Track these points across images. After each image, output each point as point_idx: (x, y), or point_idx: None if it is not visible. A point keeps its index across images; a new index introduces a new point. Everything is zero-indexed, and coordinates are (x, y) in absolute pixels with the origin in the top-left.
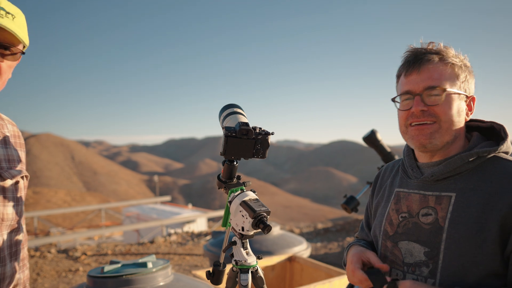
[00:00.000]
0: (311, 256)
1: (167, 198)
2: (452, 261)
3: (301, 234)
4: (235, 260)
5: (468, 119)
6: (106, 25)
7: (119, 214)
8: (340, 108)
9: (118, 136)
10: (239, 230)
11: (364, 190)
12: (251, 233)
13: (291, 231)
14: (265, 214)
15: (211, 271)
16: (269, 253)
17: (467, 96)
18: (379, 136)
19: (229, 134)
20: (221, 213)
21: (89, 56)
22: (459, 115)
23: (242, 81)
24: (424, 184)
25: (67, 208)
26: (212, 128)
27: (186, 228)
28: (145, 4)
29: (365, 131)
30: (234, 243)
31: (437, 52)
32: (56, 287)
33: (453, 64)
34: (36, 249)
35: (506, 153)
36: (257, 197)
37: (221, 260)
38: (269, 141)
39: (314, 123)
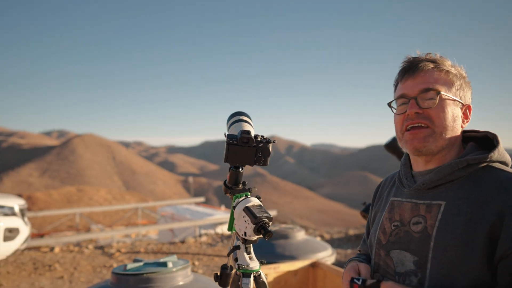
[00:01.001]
0: (338, 263)
1: (201, 199)
2: (439, 270)
3: (331, 240)
4: (238, 264)
5: (464, 127)
6: (148, 30)
7: (155, 213)
8: (378, 112)
9: (156, 137)
10: (242, 235)
11: None
12: (254, 238)
13: (321, 236)
14: (267, 221)
15: (219, 274)
16: (292, 257)
17: (462, 104)
18: None
19: (231, 142)
20: None
21: (129, 61)
22: (454, 120)
23: (278, 84)
24: (417, 193)
25: (107, 206)
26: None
27: (218, 229)
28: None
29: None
30: (238, 247)
31: (433, 61)
32: (91, 281)
33: (448, 71)
34: (77, 244)
35: (503, 163)
36: (260, 204)
37: (229, 263)
38: (270, 149)
39: (350, 127)
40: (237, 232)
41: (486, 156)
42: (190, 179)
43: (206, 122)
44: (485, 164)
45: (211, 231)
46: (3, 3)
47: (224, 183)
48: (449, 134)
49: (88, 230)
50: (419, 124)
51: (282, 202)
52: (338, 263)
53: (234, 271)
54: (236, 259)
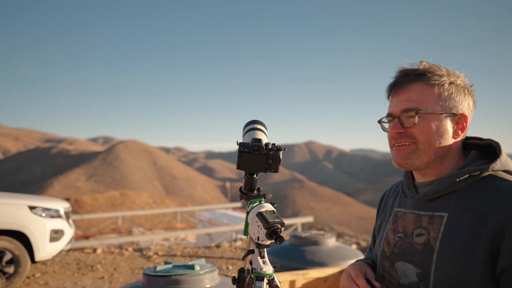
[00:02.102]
0: None
1: (238, 204)
2: (442, 283)
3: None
4: (252, 268)
5: (459, 137)
6: (191, 37)
7: (193, 218)
8: None
9: (195, 143)
10: (256, 239)
11: None
12: (267, 243)
13: (357, 243)
14: (279, 226)
15: (236, 277)
16: (322, 264)
17: (455, 114)
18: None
19: (242, 149)
20: (291, 221)
21: (169, 70)
22: (441, 134)
23: (315, 89)
24: (419, 204)
25: (148, 210)
26: (283, 136)
27: None
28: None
29: None
30: (252, 251)
31: (421, 73)
32: (128, 282)
33: (434, 83)
34: (119, 246)
35: (508, 171)
36: (274, 209)
37: (246, 267)
38: (281, 156)
39: None
40: (251, 237)
41: (487, 166)
42: (227, 184)
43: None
44: (487, 173)
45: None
46: (47, 13)
47: (240, 189)
48: (435, 149)
49: (129, 233)
50: (403, 143)
51: (320, 208)
52: None
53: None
54: (251, 263)
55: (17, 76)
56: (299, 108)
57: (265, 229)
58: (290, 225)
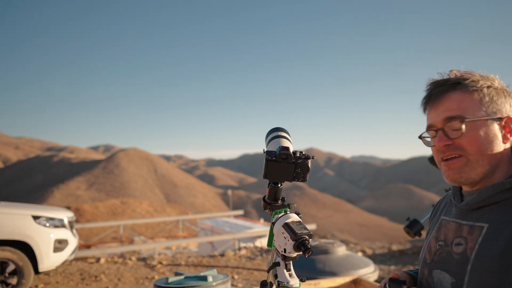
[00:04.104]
0: (380, 280)
1: (240, 212)
2: None
3: (374, 256)
4: (278, 281)
5: (508, 142)
6: (185, 47)
7: (195, 226)
8: (421, 123)
9: (196, 150)
10: (282, 252)
11: (428, 214)
12: (293, 255)
13: (363, 251)
14: (306, 237)
15: None
16: (333, 274)
17: (500, 118)
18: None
19: (270, 158)
20: None
21: (169, 78)
22: (491, 141)
23: (316, 96)
24: (462, 213)
25: (150, 218)
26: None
27: (258, 242)
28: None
29: None
30: (278, 264)
31: (456, 81)
32: None
33: (473, 90)
34: (121, 255)
35: None
36: (300, 220)
37: (268, 280)
38: (309, 165)
39: (392, 138)
40: (276, 249)
41: None
42: (229, 192)
43: (244, 135)
44: None
45: (250, 244)
46: (42, 19)
47: (263, 199)
48: (488, 158)
49: (131, 241)
50: (452, 156)
51: (322, 215)
52: (381, 280)
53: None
54: (276, 276)
55: (18, 84)
56: (299, 115)
57: (293, 240)
58: None
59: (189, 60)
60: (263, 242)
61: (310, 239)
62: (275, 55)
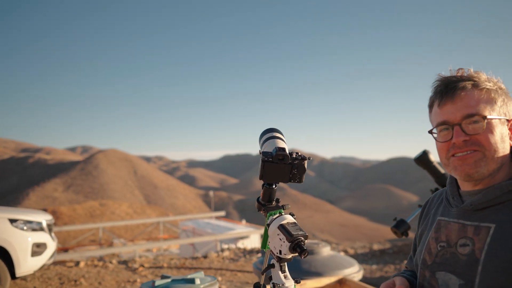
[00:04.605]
0: (364, 279)
1: (222, 213)
2: None
3: (356, 255)
4: (273, 283)
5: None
6: (167, 47)
7: (176, 228)
8: (400, 124)
9: (177, 151)
10: (277, 253)
11: (415, 214)
12: (289, 256)
13: (345, 251)
14: (302, 239)
15: None
16: (318, 274)
17: (508, 120)
18: (432, 157)
19: (266, 159)
20: None
21: (149, 78)
22: (503, 141)
23: (296, 96)
24: (464, 213)
25: (129, 220)
26: None
27: (240, 244)
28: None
29: (427, 147)
30: (272, 265)
31: (469, 78)
32: None
33: (488, 89)
34: (100, 258)
35: None
36: (295, 221)
37: (261, 282)
38: (305, 166)
39: (371, 139)
40: (271, 250)
41: None
42: (211, 193)
43: (225, 136)
44: None
45: (232, 246)
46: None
47: (258, 200)
48: (501, 156)
49: (110, 244)
50: (467, 152)
51: (303, 215)
52: (364, 280)
53: None
54: (270, 278)
55: None
56: (280, 115)
57: (289, 242)
58: None
59: (169, 61)
60: (245, 243)
61: (306, 241)
62: (254, 57)
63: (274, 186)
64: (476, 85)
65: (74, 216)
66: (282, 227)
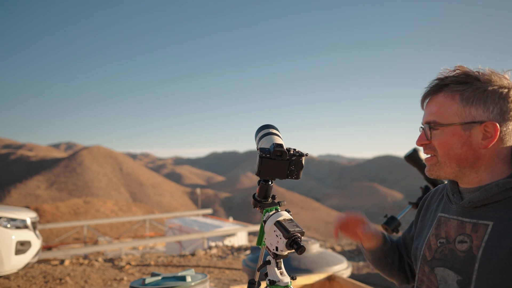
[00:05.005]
0: (352, 276)
1: (209, 211)
2: None
3: (343, 252)
4: (269, 280)
5: (491, 145)
6: (157, 44)
7: (163, 225)
8: (385, 122)
9: (163, 149)
10: (273, 250)
11: (406, 210)
12: (285, 253)
13: (332, 248)
14: (299, 235)
15: None
16: (308, 271)
17: (480, 123)
18: (422, 155)
19: (264, 155)
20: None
21: (135, 74)
22: (463, 145)
23: (282, 94)
24: (463, 210)
25: (114, 218)
26: (253, 142)
27: (227, 241)
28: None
29: (413, 146)
30: (268, 262)
31: (445, 84)
32: None
33: (456, 93)
34: (85, 257)
35: None
36: (291, 217)
37: (256, 279)
38: (303, 163)
39: (357, 137)
40: (267, 247)
41: None
42: (198, 190)
43: (212, 134)
44: None
45: (220, 243)
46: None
47: (253, 196)
48: (456, 161)
49: (95, 242)
50: (428, 155)
51: None
52: (351, 276)
53: (262, 286)
54: (266, 275)
55: None
56: (266, 113)
57: (286, 238)
58: None
59: (155, 59)
60: (232, 241)
61: (302, 237)
62: (241, 55)
63: (270, 183)
64: (447, 89)
65: (57, 214)
66: (279, 224)
